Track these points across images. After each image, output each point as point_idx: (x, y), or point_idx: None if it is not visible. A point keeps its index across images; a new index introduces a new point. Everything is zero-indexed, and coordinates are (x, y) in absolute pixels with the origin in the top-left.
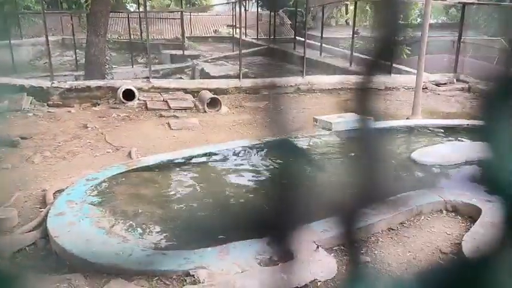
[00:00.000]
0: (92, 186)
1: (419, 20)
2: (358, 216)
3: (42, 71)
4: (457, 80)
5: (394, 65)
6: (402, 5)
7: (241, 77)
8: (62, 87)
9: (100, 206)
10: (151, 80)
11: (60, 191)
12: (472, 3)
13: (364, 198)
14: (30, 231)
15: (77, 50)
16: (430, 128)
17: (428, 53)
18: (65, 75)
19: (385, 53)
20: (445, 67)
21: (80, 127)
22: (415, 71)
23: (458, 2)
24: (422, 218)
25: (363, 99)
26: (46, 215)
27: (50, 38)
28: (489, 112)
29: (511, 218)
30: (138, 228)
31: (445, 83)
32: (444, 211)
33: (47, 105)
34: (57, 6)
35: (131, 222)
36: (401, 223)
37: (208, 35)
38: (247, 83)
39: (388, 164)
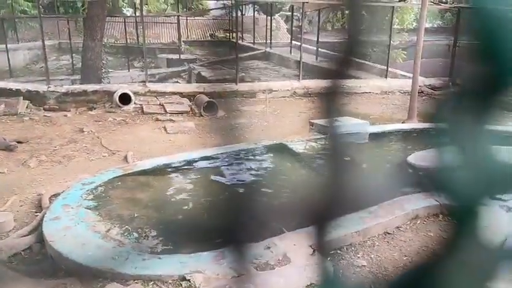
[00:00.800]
0: (87, 191)
1: (415, 24)
2: (326, 227)
3: (39, 75)
4: (452, 84)
5: (390, 69)
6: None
7: (238, 81)
8: (58, 91)
9: (96, 210)
10: (147, 84)
11: (56, 195)
12: (468, 8)
13: (331, 208)
14: (25, 235)
15: (74, 54)
16: (425, 132)
17: (424, 57)
18: (62, 80)
19: (351, 53)
20: (441, 71)
21: (76, 131)
22: (411, 75)
23: (454, 7)
24: (419, 221)
25: (331, 101)
26: (42, 219)
27: (47, 42)
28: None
29: (464, 224)
30: (134, 233)
31: (440, 87)
32: (440, 215)
33: (43, 109)
34: (54, 10)
35: (127, 226)
36: (397, 227)
37: (204, 39)
38: (244, 87)
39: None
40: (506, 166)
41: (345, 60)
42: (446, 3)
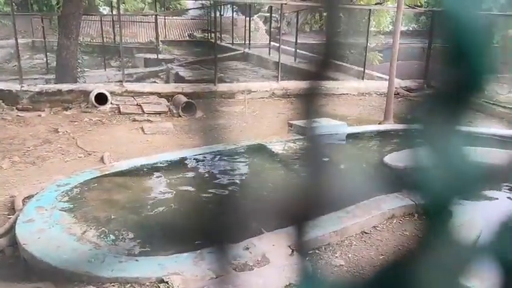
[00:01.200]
0: (62, 192)
1: (391, 27)
2: (305, 227)
3: (11, 74)
4: (427, 86)
5: (366, 70)
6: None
7: (216, 81)
8: (31, 91)
9: (71, 212)
10: (124, 83)
11: (29, 197)
12: (441, 11)
13: (309, 208)
14: None
15: (48, 53)
16: (401, 133)
17: (400, 60)
18: (35, 79)
19: (329, 55)
20: (416, 74)
21: (50, 131)
22: (387, 77)
23: (429, 10)
24: (395, 221)
25: (309, 102)
26: (15, 222)
27: (20, 41)
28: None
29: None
30: (111, 235)
31: (415, 89)
32: (416, 214)
33: (16, 109)
34: (28, 7)
35: (103, 228)
36: (374, 226)
37: (183, 39)
38: (223, 87)
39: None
40: (478, 166)
41: (323, 62)
42: (421, 6)
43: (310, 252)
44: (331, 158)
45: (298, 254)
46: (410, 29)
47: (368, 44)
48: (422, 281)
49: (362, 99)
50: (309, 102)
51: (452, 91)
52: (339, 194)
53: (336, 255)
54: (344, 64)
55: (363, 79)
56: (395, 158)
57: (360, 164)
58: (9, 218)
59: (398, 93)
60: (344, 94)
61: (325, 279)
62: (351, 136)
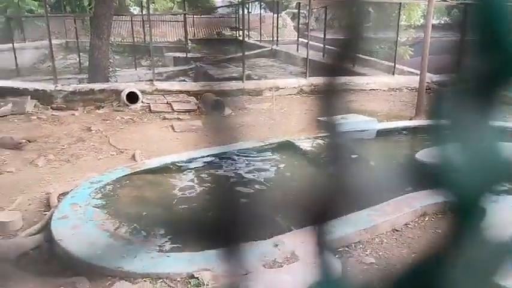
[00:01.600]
0: (96, 189)
1: (422, 20)
2: (331, 225)
3: (46, 74)
4: (458, 80)
5: (397, 65)
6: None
7: (244, 79)
8: (65, 91)
9: (104, 209)
10: (154, 82)
11: (64, 194)
12: (474, 3)
13: (337, 205)
14: (34, 234)
15: (81, 53)
16: (432, 128)
17: (431, 54)
18: (69, 79)
19: (348, 51)
20: (448, 68)
21: (83, 130)
22: (418, 72)
23: (461, 3)
24: (427, 218)
25: (330, 99)
26: (50, 218)
27: (54, 41)
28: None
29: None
30: (142, 231)
31: (447, 84)
32: (448, 212)
33: (51, 108)
34: (61, 9)
35: (135, 224)
36: (405, 224)
37: (211, 37)
38: (251, 84)
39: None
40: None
41: (341, 56)
42: None
43: (341, 249)
44: (361, 155)
45: (325, 251)
46: (442, 22)
47: (398, 38)
48: (454, 280)
49: (392, 94)
50: (331, 98)
51: (485, 85)
52: (370, 191)
53: (367, 253)
54: (374, 59)
55: (393, 74)
56: (427, 154)
57: (390, 161)
58: (45, 214)
59: (429, 88)
60: (374, 89)
61: (351, 277)
62: (381, 132)
